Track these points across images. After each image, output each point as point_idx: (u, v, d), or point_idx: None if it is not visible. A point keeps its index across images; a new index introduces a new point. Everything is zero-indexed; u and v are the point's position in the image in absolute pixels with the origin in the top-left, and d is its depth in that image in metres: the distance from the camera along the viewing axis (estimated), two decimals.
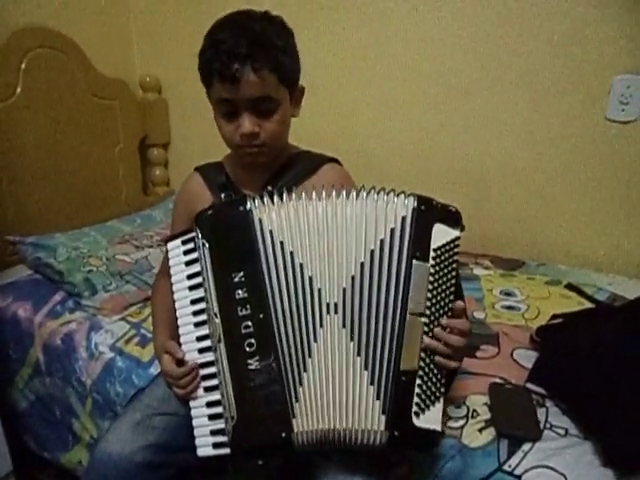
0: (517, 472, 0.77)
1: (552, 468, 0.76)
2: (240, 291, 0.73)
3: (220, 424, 0.74)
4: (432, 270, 0.72)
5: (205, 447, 0.75)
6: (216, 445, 0.74)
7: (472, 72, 1.48)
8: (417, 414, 0.70)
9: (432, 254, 0.73)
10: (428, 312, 0.72)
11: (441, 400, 0.72)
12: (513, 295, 1.31)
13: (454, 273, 0.74)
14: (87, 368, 1.17)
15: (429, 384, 0.71)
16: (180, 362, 0.80)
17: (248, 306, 0.72)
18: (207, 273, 0.75)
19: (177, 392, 0.81)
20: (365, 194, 0.75)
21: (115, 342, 1.18)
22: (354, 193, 0.75)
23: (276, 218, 0.74)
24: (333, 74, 1.66)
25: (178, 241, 0.81)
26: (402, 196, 0.75)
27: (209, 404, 0.76)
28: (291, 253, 0.73)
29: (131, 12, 1.87)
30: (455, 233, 0.75)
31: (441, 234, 0.74)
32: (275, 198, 0.75)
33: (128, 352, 1.15)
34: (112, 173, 1.79)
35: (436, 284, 0.73)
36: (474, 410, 0.89)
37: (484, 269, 1.46)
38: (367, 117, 1.66)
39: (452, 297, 0.74)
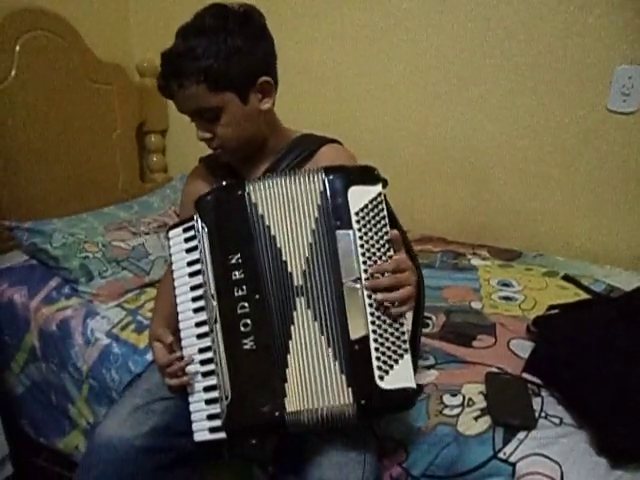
0: (512, 460, 0.78)
1: (546, 456, 0.77)
2: (237, 272, 0.74)
3: (217, 408, 0.75)
4: (359, 234, 0.73)
5: (202, 432, 0.76)
6: (213, 429, 0.75)
7: (473, 62, 1.47)
8: (382, 377, 0.71)
9: (355, 218, 0.73)
10: (365, 275, 0.72)
11: (405, 356, 0.72)
12: (510, 286, 1.31)
13: (385, 229, 0.74)
14: (83, 354, 1.17)
15: (387, 344, 0.72)
16: (170, 348, 0.82)
17: (244, 287, 0.74)
18: (205, 256, 0.77)
19: (167, 382, 0.82)
20: (288, 178, 0.75)
21: (111, 328, 1.18)
22: (283, 179, 0.76)
23: (265, 202, 0.76)
24: (332, 65, 1.64)
25: (179, 229, 0.82)
26: (314, 172, 0.75)
27: (206, 389, 0.77)
28: (273, 237, 0.75)
29: None
30: (376, 189, 0.74)
31: (360, 196, 0.74)
32: (265, 182, 0.76)
33: (124, 338, 1.15)
34: (109, 159, 1.77)
35: (368, 245, 0.73)
36: (470, 398, 0.89)
37: (482, 260, 1.46)
38: (367, 107, 1.64)
39: (390, 252, 0.73)
